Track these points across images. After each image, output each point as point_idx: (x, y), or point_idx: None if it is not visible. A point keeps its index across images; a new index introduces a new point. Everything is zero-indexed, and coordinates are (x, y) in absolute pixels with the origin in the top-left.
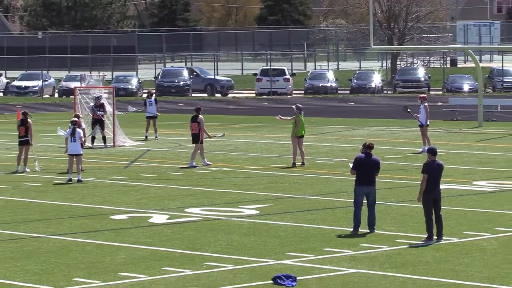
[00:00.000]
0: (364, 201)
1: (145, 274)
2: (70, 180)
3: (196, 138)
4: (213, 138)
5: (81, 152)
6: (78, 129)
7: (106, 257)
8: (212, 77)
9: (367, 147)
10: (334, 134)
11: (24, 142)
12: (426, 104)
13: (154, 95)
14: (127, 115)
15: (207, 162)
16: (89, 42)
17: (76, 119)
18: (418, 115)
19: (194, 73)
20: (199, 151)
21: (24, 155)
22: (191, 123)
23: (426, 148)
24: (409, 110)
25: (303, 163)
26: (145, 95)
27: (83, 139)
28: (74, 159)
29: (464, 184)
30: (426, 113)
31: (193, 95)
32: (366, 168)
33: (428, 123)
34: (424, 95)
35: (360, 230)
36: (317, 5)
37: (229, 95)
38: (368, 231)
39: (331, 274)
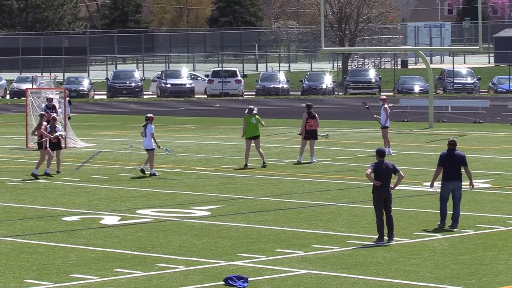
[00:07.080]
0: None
1: (96, 276)
2: (143, 171)
3: (315, 134)
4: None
5: (153, 147)
6: (150, 125)
7: (57, 258)
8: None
9: (451, 144)
10: (285, 135)
11: None
12: (386, 105)
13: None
14: (78, 117)
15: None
16: (40, 44)
17: (150, 115)
18: (379, 117)
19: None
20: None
21: None
22: (309, 119)
23: (390, 149)
24: (367, 106)
25: (264, 164)
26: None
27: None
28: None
29: (415, 185)
30: (387, 115)
31: (144, 96)
32: (452, 164)
33: (388, 124)
34: (384, 97)
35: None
36: (268, 7)
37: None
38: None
39: (282, 275)
